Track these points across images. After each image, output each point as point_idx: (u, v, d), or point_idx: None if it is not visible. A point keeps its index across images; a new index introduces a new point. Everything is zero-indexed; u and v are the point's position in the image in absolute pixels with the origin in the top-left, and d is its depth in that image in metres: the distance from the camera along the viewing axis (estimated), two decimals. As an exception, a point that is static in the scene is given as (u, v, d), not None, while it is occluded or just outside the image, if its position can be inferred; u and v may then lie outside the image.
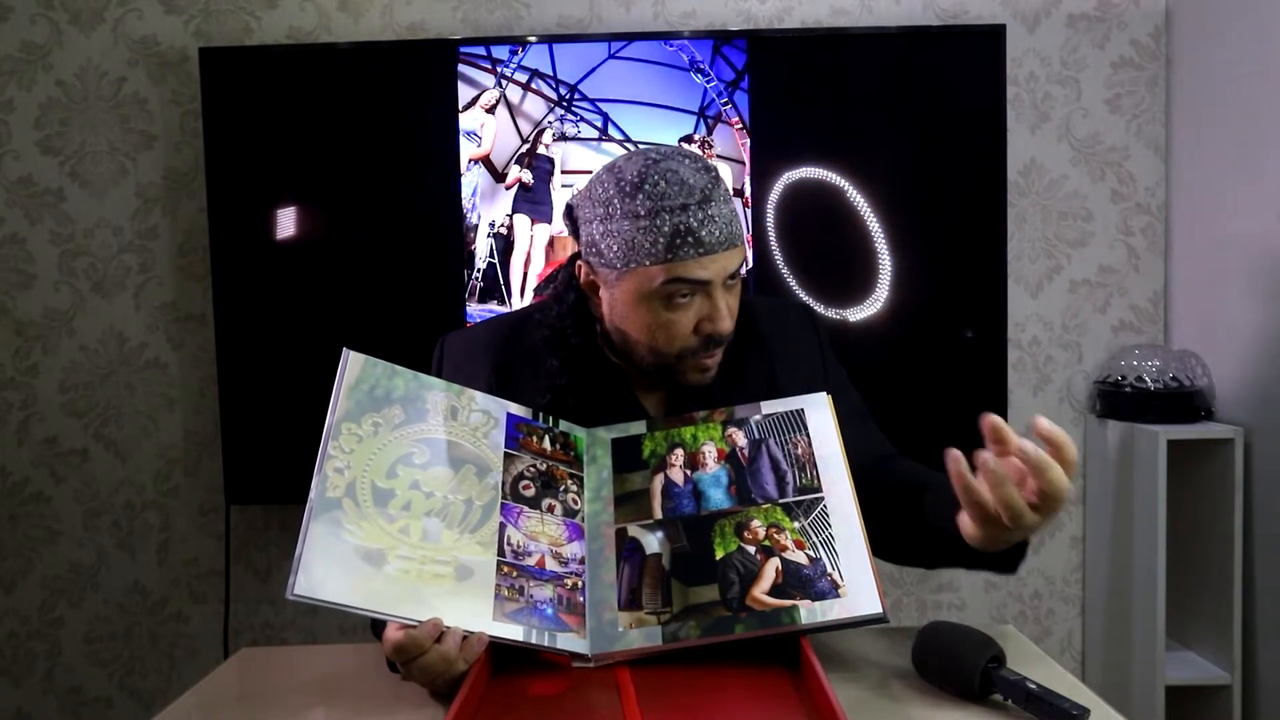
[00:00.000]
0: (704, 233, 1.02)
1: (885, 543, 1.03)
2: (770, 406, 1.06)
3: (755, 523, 0.97)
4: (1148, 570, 1.94)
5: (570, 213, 1.14)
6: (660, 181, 1.03)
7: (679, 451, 1.04)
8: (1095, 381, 2.15)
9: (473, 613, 0.88)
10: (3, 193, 2.18)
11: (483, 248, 2.05)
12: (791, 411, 1.05)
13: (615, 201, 1.04)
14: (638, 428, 1.08)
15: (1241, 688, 1.90)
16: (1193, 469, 1.98)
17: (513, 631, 0.89)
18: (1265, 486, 1.87)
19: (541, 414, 1.07)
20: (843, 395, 1.17)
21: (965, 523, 0.87)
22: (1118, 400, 2.04)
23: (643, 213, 1.03)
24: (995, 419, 0.85)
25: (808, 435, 1.02)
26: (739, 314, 1.14)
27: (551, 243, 2.06)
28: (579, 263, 1.12)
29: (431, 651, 0.85)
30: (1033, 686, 0.82)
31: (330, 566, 0.85)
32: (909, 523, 1.01)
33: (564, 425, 1.08)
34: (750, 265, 2.04)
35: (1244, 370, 1.94)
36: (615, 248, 1.05)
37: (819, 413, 1.03)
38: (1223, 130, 2.00)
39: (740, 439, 1.04)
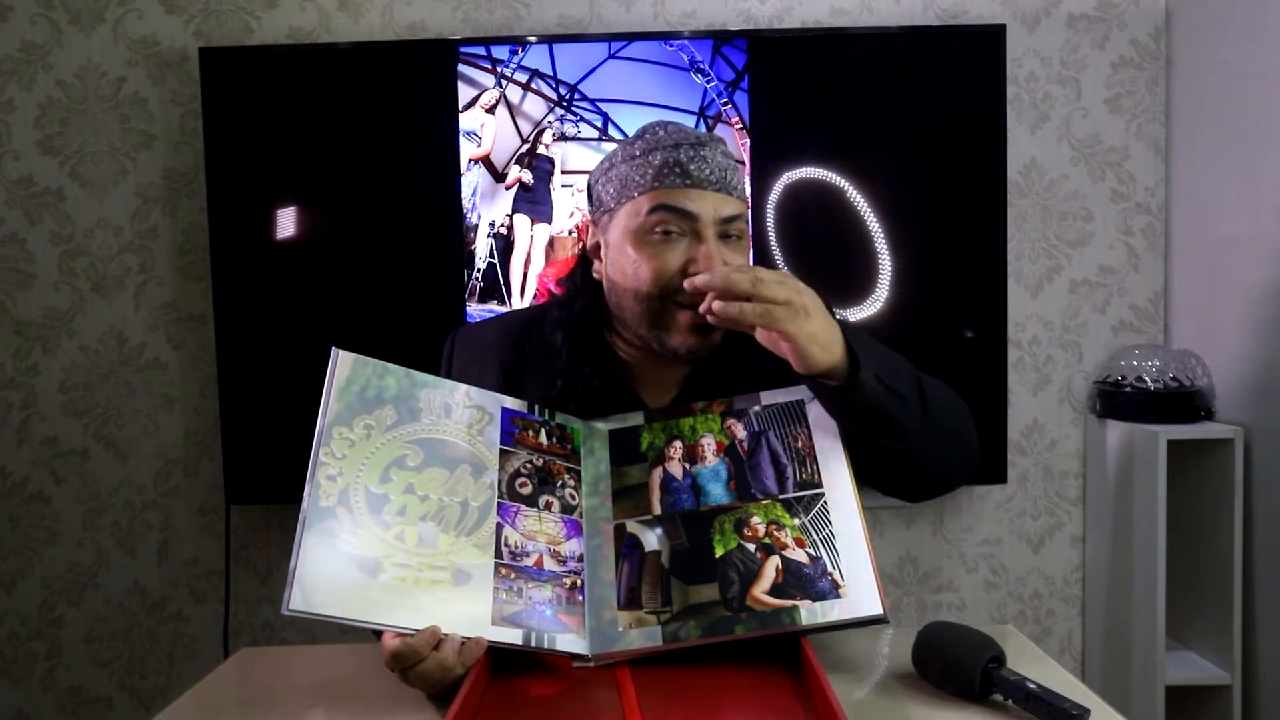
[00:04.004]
0: (692, 167, 1.05)
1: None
2: (770, 397, 1.04)
3: (755, 519, 0.95)
4: (1148, 570, 1.94)
5: (589, 188, 1.16)
6: (659, 130, 1.09)
7: (677, 444, 1.02)
8: (1095, 381, 2.14)
9: (471, 617, 0.87)
10: (3, 193, 2.18)
11: (483, 248, 2.05)
12: (792, 403, 1.03)
13: (618, 152, 1.11)
14: (635, 419, 1.06)
15: (1241, 688, 1.90)
16: (1193, 469, 1.97)
17: (512, 635, 0.88)
18: (1265, 486, 1.87)
19: (537, 406, 1.05)
20: None
21: (779, 348, 0.94)
22: (1118, 400, 2.04)
23: (638, 153, 1.08)
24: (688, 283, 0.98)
25: (808, 428, 1.00)
26: None
27: (551, 243, 2.06)
28: (586, 230, 1.15)
29: (429, 659, 0.85)
30: (1033, 686, 0.82)
31: (325, 579, 0.84)
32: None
33: (560, 417, 1.06)
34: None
35: (1244, 370, 1.94)
36: (611, 190, 1.09)
37: (820, 405, 1.01)
38: (1223, 130, 2.00)
39: (739, 431, 1.02)
